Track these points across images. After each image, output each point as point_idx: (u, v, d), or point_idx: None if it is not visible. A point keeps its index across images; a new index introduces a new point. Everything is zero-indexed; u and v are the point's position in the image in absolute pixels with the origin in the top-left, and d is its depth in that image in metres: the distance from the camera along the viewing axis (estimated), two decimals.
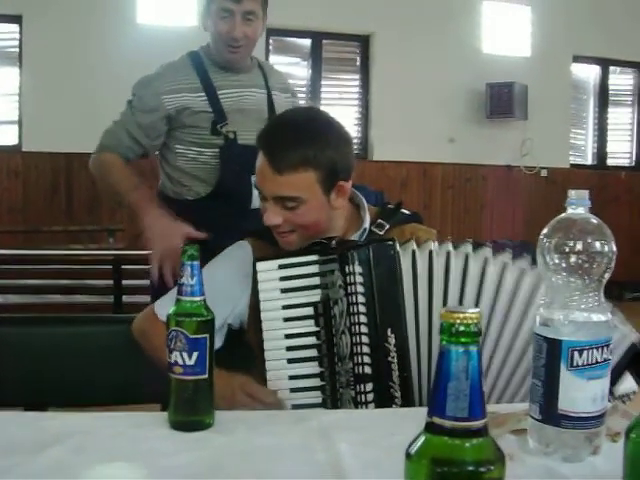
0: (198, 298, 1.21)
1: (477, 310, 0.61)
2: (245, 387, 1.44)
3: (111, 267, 3.74)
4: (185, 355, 1.19)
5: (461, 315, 0.60)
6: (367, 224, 1.66)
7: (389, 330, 1.42)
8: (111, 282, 3.73)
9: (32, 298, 4.08)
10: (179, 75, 2.38)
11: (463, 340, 0.60)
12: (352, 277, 1.43)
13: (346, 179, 1.60)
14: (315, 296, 1.48)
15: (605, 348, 1.07)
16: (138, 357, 1.68)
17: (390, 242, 1.47)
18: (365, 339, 1.42)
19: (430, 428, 0.62)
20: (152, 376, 1.53)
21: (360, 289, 1.43)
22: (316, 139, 1.55)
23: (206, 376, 1.21)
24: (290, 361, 1.47)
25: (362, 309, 1.42)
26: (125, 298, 3.73)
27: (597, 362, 1.06)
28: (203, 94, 2.34)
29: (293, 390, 1.46)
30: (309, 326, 1.48)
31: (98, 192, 6.75)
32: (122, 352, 1.85)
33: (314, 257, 1.51)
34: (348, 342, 1.42)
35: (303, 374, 1.46)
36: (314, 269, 1.50)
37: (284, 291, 1.50)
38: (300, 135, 1.54)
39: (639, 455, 0.75)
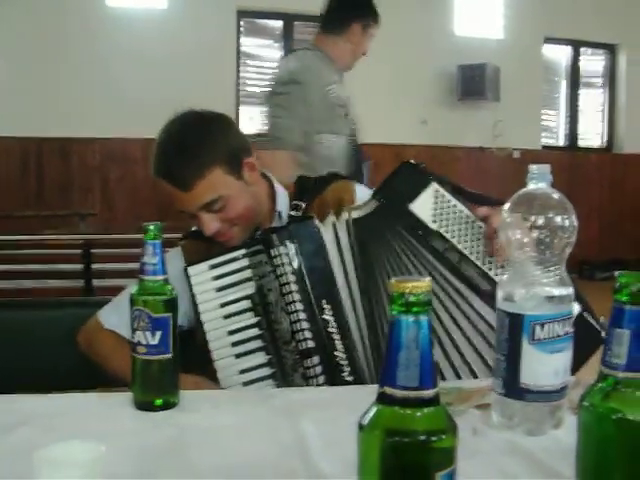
0: (160, 277, 1.20)
1: (427, 279, 0.61)
2: (200, 386, 1.45)
3: (81, 251, 3.72)
4: (148, 334, 1.18)
5: (410, 285, 0.60)
6: (281, 207, 1.68)
7: (324, 302, 1.45)
8: (81, 266, 3.70)
9: (3, 283, 4.05)
10: (325, 70, 2.85)
11: (413, 310, 0.60)
12: (279, 259, 1.46)
13: (248, 155, 1.63)
14: (249, 288, 1.50)
15: (567, 322, 1.07)
16: None
17: (309, 220, 1.51)
18: (302, 315, 1.44)
19: (382, 398, 0.62)
20: None
21: (288, 269, 1.45)
22: (201, 140, 1.56)
23: (170, 355, 1.20)
24: (238, 356, 1.48)
25: (294, 287, 1.45)
26: (95, 282, 3.71)
27: (558, 336, 1.06)
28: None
29: (246, 383, 1.46)
30: (249, 318, 1.49)
31: (69, 176, 6.75)
32: None
33: (241, 251, 1.52)
34: (287, 324, 1.45)
35: (253, 366, 1.47)
36: (244, 262, 1.51)
37: (219, 290, 1.51)
38: (184, 148, 1.55)
39: (591, 423, 0.76)
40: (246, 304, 1.50)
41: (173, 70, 6.60)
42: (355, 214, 1.50)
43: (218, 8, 6.93)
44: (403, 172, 1.53)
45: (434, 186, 1.47)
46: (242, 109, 7.36)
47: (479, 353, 1.44)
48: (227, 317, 1.50)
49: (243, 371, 1.47)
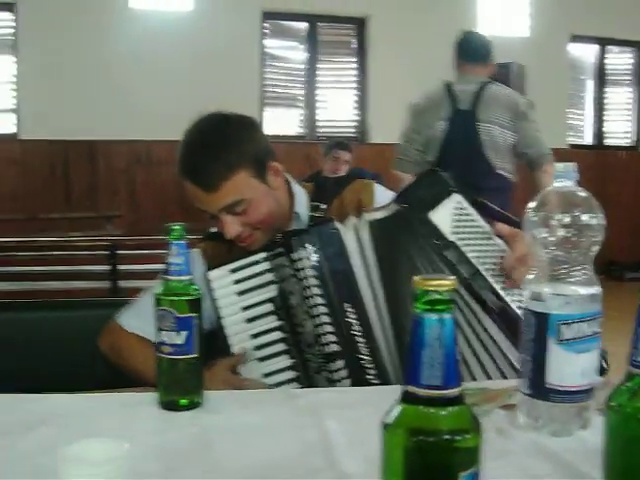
0: (185, 277, 1.21)
1: (451, 277, 0.60)
2: (229, 382, 1.44)
3: (107, 253, 3.75)
4: (173, 334, 1.19)
5: (434, 282, 0.59)
6: (299, 207, 1.67)
7: (346, 305, 1.44)
8: (108, 268, 3.73)
9: (30, 285, 4.08)
10: None
11: (437, 308, 0.59)
12: (300, 263, 1.46)
13: (273, 159, 1.62)
14: (271, 292, 1.49)
15: (594, 321, 1.06)
16: None
17: (329, 222, 1.51)
18: (326, 319, 1.44)
19: (405, 397, 0.61)
20: None
21: (310, 272, 1.45)
22: (227, 142, 1.56)
23: (195, 355, 1.20)
24: (261, 359, 1.48)
25: (316, 291, 1.45)
26: (121, 283, 3.73)
27: (586, 335, 1.05)
28: None
29: (270, 387, 1.46)
30: (272, 322, 1.49)
31: (96, 178, 6.80)
32: None
33: (262, 254, 1.52)
34: (311, 327, 1.45)
35: (276, 369, 1.47)
36: (265, 266, 1.51)
37: (241, 293, 1.51)
38: (212, 148, 1.55)
39: (618, 423, 0.75)
40: (268, 307, 1.49)
41: (198, 72, 6.63)
42: (376, 215, 1.49)
43: (243, 10, 6.96)
44: (427, 179, 1.53)
45: (456, 197, 1.46)
46: (267, 111, 7.38)
47: (482, 366, 1.42)
48: (249, 321, 1.50)
49: (266, 375, 1.47)
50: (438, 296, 0.59)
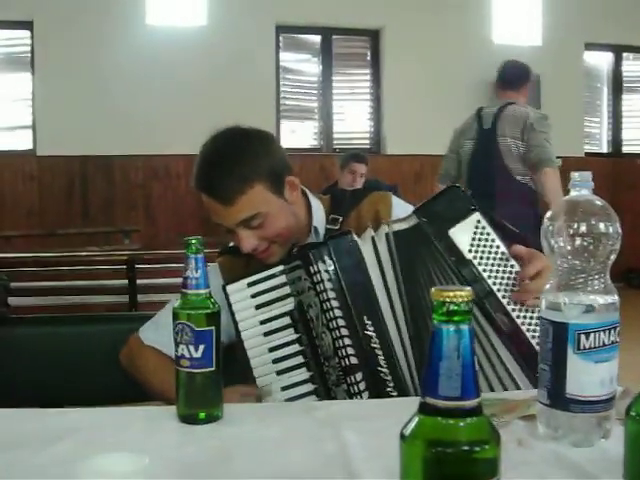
0: (203, 291, 1.21)
1: (467, 288, 0.60)
2: (247, 395, 1.46)
3: (125, 267, 3.76)
4: (192, 348, 1.19)
5: (451, 293, 0.59)
6: (317, 222, 1.68)
7: (365, 318, 1.44)
8: (126, 282, 3.75)
9: (49, 300, 4.11)
10: None
11: (454, 319, 0.60)
12: (318, 276, 1.45)
13: (290, 173, 1.63)
14: (289, 305, 1.50)
15: (612, 330, 1.05)
16: None
17: (346, 235, 1.50)
18: (345, 331, 1.44)
19: (423, 408, 0.62)
20: None
21: (328, 285, 1.45)
22: (244, 155, 1.56)
23: (213, 368, 1.21)
24: (279, 373, 1.48)
25: (335, 304, 1.44)
26: (140, 297, 3.75)
27: (604, 345, 1.04)
28: None
29: (288, 400, 1.46)
30: (290, 335, 1.49)
31: (113, 193, 6.84)
32: None
33: (279, 268, 1.52)
34: (330, 340, 1.44)
35: (294, 382, 1.48)
36: (282, 279, 1.51)
37: (258, 307, 1.51)
38: (229, 162, 1.55)
39: (638, 433, 0.75)
40: (286, 320, 1.50)
41: (213, 86, 6.67)
42: (394, 227, 1.49)
43: (257, 23, 7.00)
44: (448, 195, 1.52)
45: (476, 216, 1.45)
46: (282, 123, 7.40)
47: (490, 386, 1.42)
48: (267, 334, 1.50)
49: (285, 388, 1.47)
50: (455, 307, 0.60)
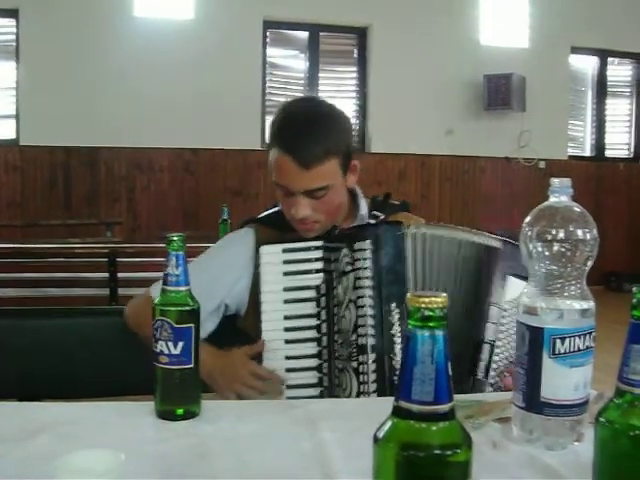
0: (183, 288, 1.21)
1: (443, 295, 0.61)
2: (247, 366, 1.49)
3: (107, 260, 3.74)
4: (170, 344, 1.19)
5: (426, 299, 0.60)
6: (364, 211, 1.71)
7: (393, 304, 1.47)
8: (107, 275, 3.73)
9: (29, 291, 4.08)
10: None
11: (429, 324, 0.60)
12: (361, 253, 1.49)
13: (355, 157, 1.67)
14: (317, 280, 1.54)
15: (587, 336, 1.07)
16: (133, 349, 1.67)
17: (398, 224, 1.55)
18: (370, 311, 1.47)
19: (397, 412, 0.62)
20: (148, 367, 1.53)
21: (368, 264, 1.48)
22: (331, 128, 1.60)
23: (192, 365, 1.21)
24: (287, 342, 1.52)
25: (368, 283, 1.48)
26: (121, 291, 3.73)
27: (579, 350, 1.06)
28: None
29: (288, 370, 1.49)
30: (309, 308, 1.53)
31: (96, 185, 6.82)
32: (117, 344, 1.86)
33: (318, 242, 1.56)
34: (353, 316, 1.48)
35: (300, 354, 1.51)
36: (318, 254, 1.55)
37: (286, 274, 1.55)
38: (317, 128, 1.58)
39: (608, 439, 0.76)
40: (309, 294, 1.53)
41: (199, 80, 6.65)
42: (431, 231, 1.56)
43: (245, 18, 6.99)
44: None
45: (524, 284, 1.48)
46: (268, 119, 7.39)
47: None
48: (287, 302, 1.53)
49: (289, 358, 1.50)
50: (430, 313, 0.60)
